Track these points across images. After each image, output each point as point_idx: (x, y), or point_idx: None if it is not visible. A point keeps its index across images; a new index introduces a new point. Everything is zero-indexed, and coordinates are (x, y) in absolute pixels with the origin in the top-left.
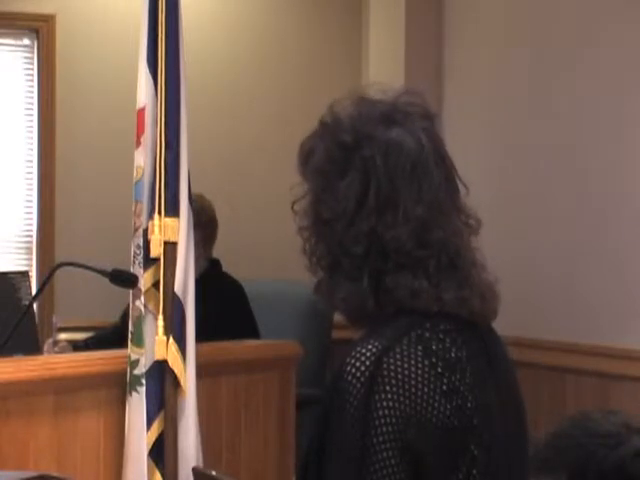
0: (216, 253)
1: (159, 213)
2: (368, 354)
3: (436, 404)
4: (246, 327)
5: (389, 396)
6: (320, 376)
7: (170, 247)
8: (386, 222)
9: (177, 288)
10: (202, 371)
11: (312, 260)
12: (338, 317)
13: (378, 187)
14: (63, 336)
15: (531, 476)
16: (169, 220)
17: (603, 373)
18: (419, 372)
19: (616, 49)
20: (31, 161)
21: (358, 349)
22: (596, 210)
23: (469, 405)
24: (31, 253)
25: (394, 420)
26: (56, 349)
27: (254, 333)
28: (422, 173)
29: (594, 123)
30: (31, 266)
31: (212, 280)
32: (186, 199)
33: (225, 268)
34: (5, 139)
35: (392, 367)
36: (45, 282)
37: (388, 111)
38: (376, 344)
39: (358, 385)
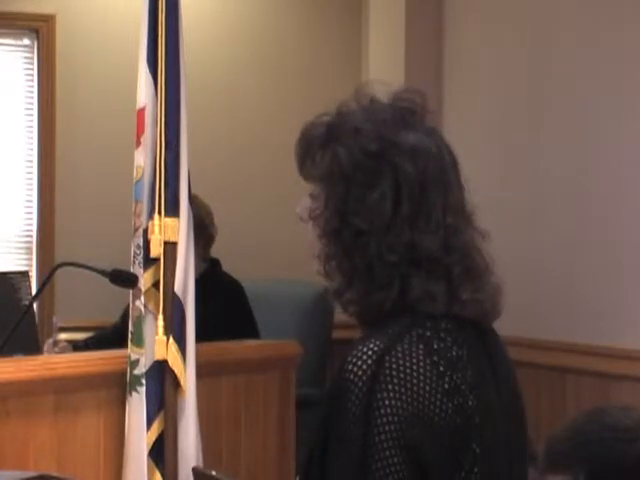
0: (216, 253)
1: (159, 213)
2: (370, 353)
3: (438, 402)
4: (246, 327)
5: (391, 395)
6: (320, 376)
7: (170, 247)
8: (421, 231)
9: (177, 288)
10: (202, 371)
11: (329, 266)
12: (338, 317)
13: (410, 196)
14: (63, 336)
15: (549, 472)
16: (169, 220)
17: (603, 373)
18: (421, 371)
19: (616, 49)
20: (31, 161)
21: (360, 348)
22: (596, 210)
23: (470, 404)
24: (31, 253)
25: (396, 419)
26: (56, 349)
27: (254, 333)
28: (446, 179)
29: (594, 123)
30: (31, 266)
31: (212, 280)
32: (186, 199)
33: (225, 268)
34: (5, 139)
35: (394, 366)
36: (45, 282)
37: (401, 113)
38: (377, 343)
39: (360, 384)
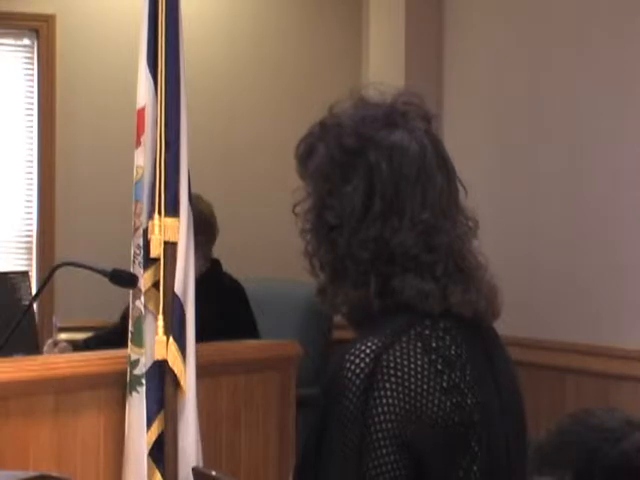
0: (216, 253)
1: (159, 213)
2: (367, 351)
3: (436, 401)
4: (246, 327)
5: (388, 393)
6: (320, 376)
7: (170, 247)
8: (392, 227)
9: (177, 288)
10: (202, 371)
11: (313, 263)
12: (338, 317)
13: (383, 192)
14: (63, 336)
15: (534, 474)
16: (169, 220)
17: (603, 373)
18: (418, 369)
19: (616, 49)
20: (31, 161)
21: (358, 346)
22: (596, 210)
23: (469, 402)
24: (31, 253)
25: (393, 417)
26: (56, 349)
27: (254, 333)
28: (426, 177)
29: (594, 123)
30: (31, 266)
31: (212, 280)
32: (186, 199)
33: (225, 268)
34: (5, 139)
35: (392, 364)
36: (45, 282)
37: (389, 113)
38: (375, 341)
39: (357, 382)
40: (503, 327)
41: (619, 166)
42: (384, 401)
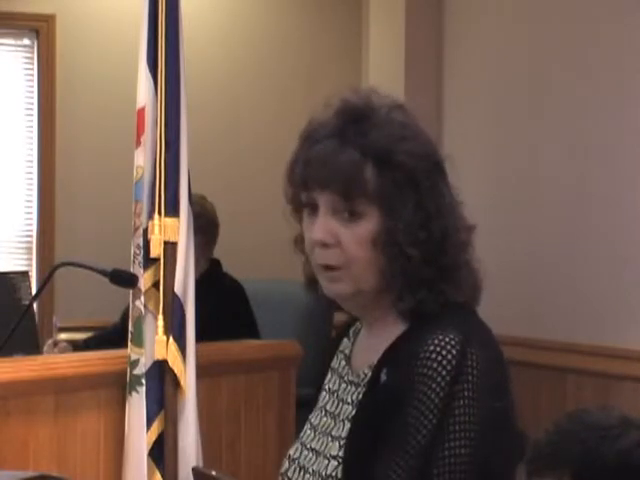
0: (216, 253)
1: (159, 213)
2: (453, 343)
3: (502, 395)
4: (246, 327)
5: (471, 386)
6: (320, 376)
7: (170, 247)
8: (456, 228)
9: (177, 288)
10: (202, 371)
11: (393, 275)
12: (338, 317)
13: (448, 196)
14: (63, 336)
15: (534, 475)
16: (169, 220)
17: (603, 373)
18: (494, 363)
19: (616, 49)
20: (31, 161)
21: (441, 337)
22: (596, 210)
23: (513, 399)
24: (31, 253)
25: (472, 410)
26: (56, 350)
27: (254, 333)
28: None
29: (594, 123)
30: (31, 266)
31: (212, 280)
32: (186, 199)
33: (225, 268)
34: (5, 139)
35: (475, 357)
36: (45, 282)
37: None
38: (456, 333)
39: (443, 373)
40: (503, 327)
41: (620, 165)
42: (466, 394)
